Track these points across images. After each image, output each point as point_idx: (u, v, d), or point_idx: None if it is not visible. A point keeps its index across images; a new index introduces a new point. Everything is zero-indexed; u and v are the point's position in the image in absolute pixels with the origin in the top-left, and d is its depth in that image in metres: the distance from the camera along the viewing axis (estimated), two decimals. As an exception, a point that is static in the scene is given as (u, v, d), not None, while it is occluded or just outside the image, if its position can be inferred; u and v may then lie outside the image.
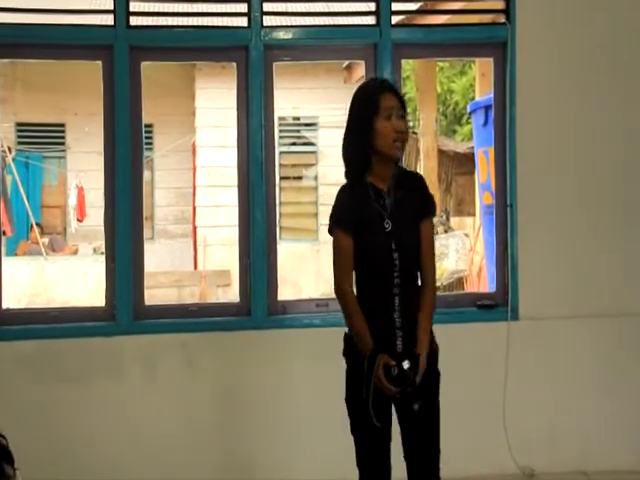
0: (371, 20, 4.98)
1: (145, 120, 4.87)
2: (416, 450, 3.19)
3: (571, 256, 4.96)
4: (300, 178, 14.13)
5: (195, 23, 5.08)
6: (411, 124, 15.79)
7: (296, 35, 4.93)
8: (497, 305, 4.98)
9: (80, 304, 8.09)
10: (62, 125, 15.29)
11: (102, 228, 4.96)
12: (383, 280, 3.10)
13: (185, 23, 5.12)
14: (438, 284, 10.84)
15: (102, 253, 5.22)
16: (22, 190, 13.79)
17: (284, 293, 5.12)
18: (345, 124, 3.20)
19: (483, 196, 7.66)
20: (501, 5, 5.03)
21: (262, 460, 4.72)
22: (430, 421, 3.17)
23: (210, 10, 5.17)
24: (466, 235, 11.32)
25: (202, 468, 4.71)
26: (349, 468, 4.06)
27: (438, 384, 3.22)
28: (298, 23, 5.13)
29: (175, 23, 5.12)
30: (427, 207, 3.10)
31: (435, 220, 12.14)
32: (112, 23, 4.77)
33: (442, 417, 4.80)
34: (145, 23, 4.98)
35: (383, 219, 3.09)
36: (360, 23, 5.12)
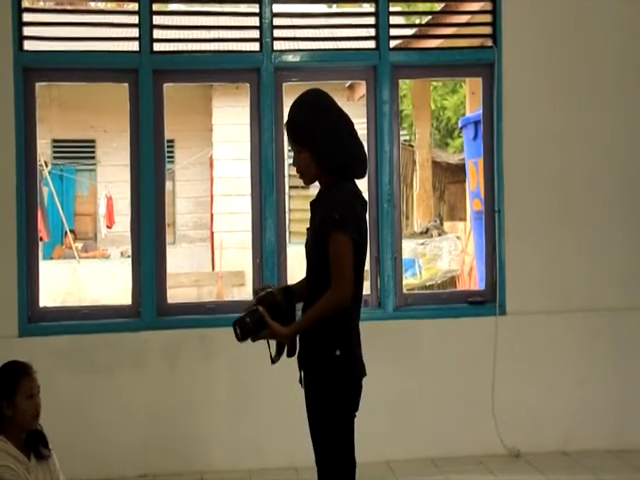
0: (371, 44, 4.98)
1: (167, 136, 4.89)
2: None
3: (553, 257, 4.96)
4: (307, 187, 14.08)
5: (212, 48, 5.09)
6: (407, 138, 15.79)
7: (303, 58, 4.94)
8: (486, 301, 4.96)
9: (109, 302, 8.07)
10: (93, 141, 15.32)
11: (129, 234, 4.98)
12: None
13: (203, 48, 5.12)
14: (432, 282, 10.73)
15: (129, 256, 5.23)
16: (57, 200, 13.80)
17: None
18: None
19: (473, 203, 7.65)
20: (488, 30, 5.04)
21: (272, 447, 4.71)
22: (311, 421, 2.92)
23: (225, 36, 5.18)
24: (458, 238, 11.30)
25: (217, 453, 4.71)
26: (363, 450, 4.06)
27: (317, 398, 2.88)
28: (305, 47, 5.13)
29: (194, 48, 5.13)
30: (325, 226, 2.81)
31: (429, 225, 12.04)
32: (137, 49, 4.78)
33: (436, 404, 4.83)
34: (167, 49, 4.99)
35: (309, 229, 3.00)
36: (361, 47, 5.12)
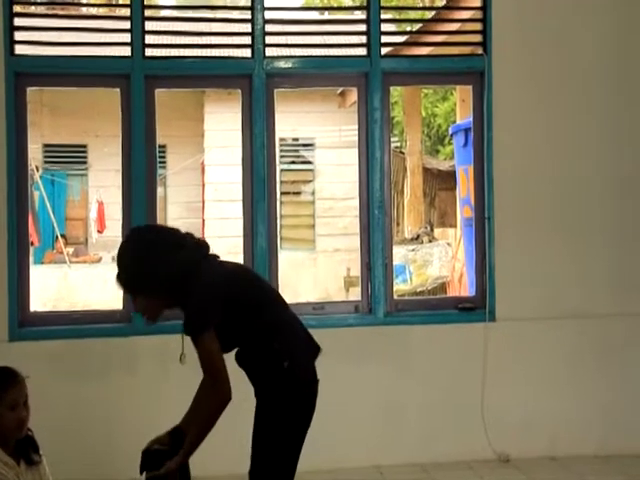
0: (362, 51, 4.99)
1: (159, 141, 4.87)
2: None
3: (542, 263, 4.97)
4: (299, 193, 14.10)
5: (204, 54, 5.09)
6: (398, 144, 15.84)
7: (295, 65, 4.95)
8: (476, 308, 4.98)
9: (100, 307, 8.04)
10: (84, 146, 15.29)
11: (120, 238, 4.94)
12: None
13: (195, 54, 5.12)
14: (422, 289, 10.73)
15: (120, 261, 5.20)
16: (48, 204, 13.77)
17: (284, 297, 5.10)
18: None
19: (463, 209, 7.66)
20: (479, 38, 5.06)
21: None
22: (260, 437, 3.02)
23: (217, 42, 5.19)
24: (448, 244, 11.32)
25: (212, 458, 4.67)
26: (354, 455, 4.07)
27: (269, 413, 3.04)
28: (297, 54, 5.13)
29: (186, 54, 5.13)
30: (190, 334, 2.86)
31: (420, 231, 12.04)
32: (129, 54, 4.78)
33: (426, 410, 4.83)
34: (159, 54, 4.99)
35: None
36: (353, 54, 5.13)
